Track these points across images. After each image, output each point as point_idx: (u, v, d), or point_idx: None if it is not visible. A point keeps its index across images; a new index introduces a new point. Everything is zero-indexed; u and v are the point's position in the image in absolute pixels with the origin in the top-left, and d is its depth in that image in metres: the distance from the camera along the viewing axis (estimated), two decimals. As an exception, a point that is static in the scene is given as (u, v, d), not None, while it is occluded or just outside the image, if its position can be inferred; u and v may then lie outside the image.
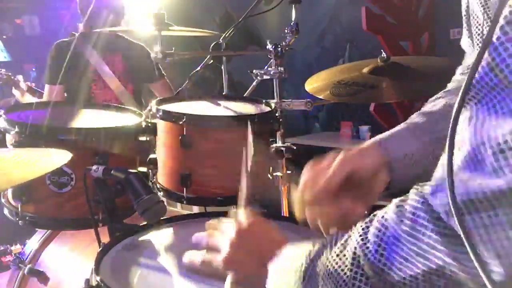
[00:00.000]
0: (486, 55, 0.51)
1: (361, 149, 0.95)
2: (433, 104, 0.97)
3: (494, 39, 0.50)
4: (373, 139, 0.97)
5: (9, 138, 1.31)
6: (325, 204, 0.90)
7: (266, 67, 1.83)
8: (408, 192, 0.60)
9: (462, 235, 0.51)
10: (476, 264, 0.50)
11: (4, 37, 6.00)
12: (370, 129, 3.70)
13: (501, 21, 0.49)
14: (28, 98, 3.12)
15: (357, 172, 0.91)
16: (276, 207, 2.03)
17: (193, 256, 0.86)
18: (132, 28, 2.33)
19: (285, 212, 2.01)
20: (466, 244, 0.51)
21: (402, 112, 3.46)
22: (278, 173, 1.82)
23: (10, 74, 3.26)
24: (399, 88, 1.78)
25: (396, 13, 3.40)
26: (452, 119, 0.53)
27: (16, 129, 1.27)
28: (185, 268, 0.87)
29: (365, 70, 1.81)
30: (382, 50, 1.83)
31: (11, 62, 5.81)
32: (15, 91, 3.18)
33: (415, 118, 0.99)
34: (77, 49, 2.71)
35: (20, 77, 3.29)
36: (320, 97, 1.78)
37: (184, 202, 1.35)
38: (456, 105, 0.53)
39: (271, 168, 1.51)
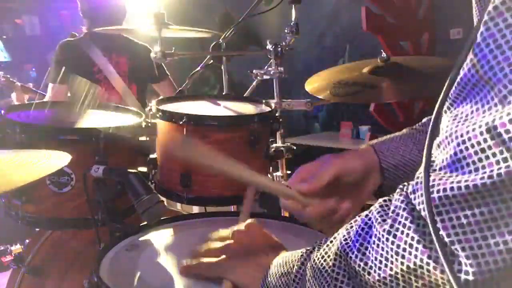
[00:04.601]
0: (470, 51, 0.50)
1: (353, 152, 0.97)
2: None
3: (478, 35, 0.49)
4: (370, 142, 0.98)
5: (9, 138, 1.31)
6: (311, 200, 0.91)
7: (266, 67, 1.83)
8: None
9: (432, 233, 0.50)
10: (444, 264, 0.50)
11: (4, 37, 6.01)
12: (370, 129, 3.70)
13: (485, 17, 0.48)
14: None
15: (345, 175, 0.92)
16: (276, 207, 2.03)
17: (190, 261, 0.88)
18: (132, 28, 2.33)
19: (285, 212, 2.01)
20: (434, 240, 0.50)
21: (402, 112, 3.46)
22: (278, 173, 1.82)
23: (9, 76, 3.26)
24: (399, 88, 1.78)
25: (396, 13, 3.40)
26: (434, 114, 0.52)
27: (16, 129, 1.27)
28: (181, 271, 0.88)
29: (365, 70, 1.81)
30: (382, 50, 1.83)
31: (11, 62, 5.81)
32: (13, 95, 3.18)
33: (419, 124, 1.00)
34: (82, 49, 2.71)
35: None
36: (320, 97, 1.77)
37: (184, 202, 1.35)
38: (438, 102, 0.52)
39: (271, 168, 1.51)
